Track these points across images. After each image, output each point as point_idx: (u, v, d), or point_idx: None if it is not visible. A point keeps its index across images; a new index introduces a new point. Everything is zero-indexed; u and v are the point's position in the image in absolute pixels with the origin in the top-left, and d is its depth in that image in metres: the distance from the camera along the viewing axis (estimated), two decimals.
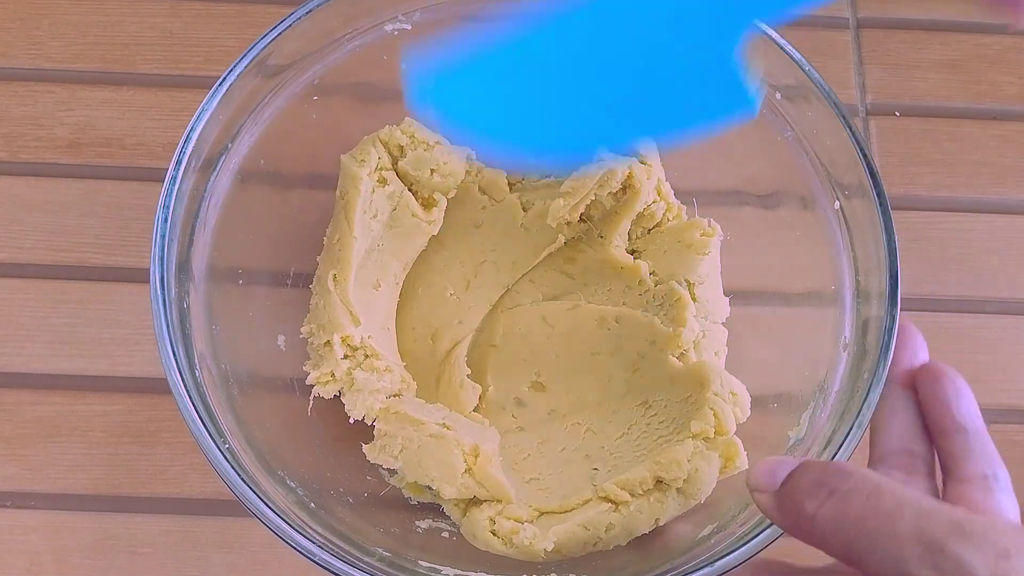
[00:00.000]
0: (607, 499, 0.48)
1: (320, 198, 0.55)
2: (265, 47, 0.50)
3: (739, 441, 0.48)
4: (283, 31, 0.50)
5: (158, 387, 0.56)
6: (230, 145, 0.50)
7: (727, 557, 0.43)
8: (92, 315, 0.58)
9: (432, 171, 0.53)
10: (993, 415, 0.58)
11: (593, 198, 0.54)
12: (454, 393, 0.53)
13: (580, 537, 0.47)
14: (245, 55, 0.49)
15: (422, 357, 0.55)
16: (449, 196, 0.55)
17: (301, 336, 0.52)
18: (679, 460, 0.47)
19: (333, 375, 0.50)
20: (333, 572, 0.42)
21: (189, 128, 0.48)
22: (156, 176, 0.48)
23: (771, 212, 0.55)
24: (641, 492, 0.47)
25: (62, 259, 0.59)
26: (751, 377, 0.52)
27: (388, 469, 0.50)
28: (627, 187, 0.54)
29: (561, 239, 0.55)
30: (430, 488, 0.48)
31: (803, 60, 0.50)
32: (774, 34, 0.50)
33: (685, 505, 0.48)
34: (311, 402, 0.51)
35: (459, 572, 0.46)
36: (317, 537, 0.43)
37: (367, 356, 0.50)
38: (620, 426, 0.52)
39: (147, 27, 0.66)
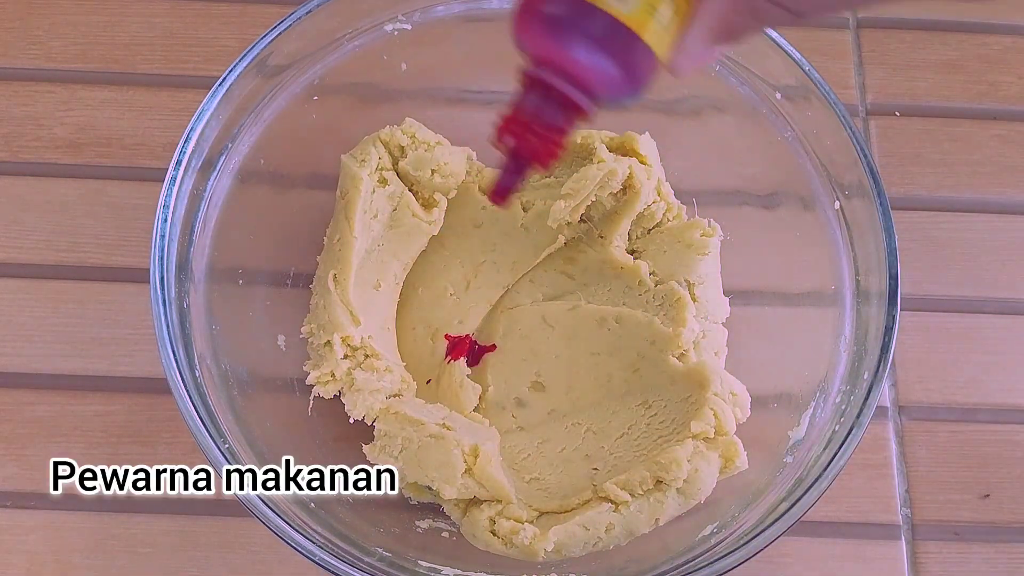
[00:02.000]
0: (607, 499, 0.48)
1: (320, 198, 0.55)
2: (265, 47, 0.50)
3: (739, 441, 0.48)
4: (283, 31, 0.50)
5: (158, 387, 0.56)
6: (230, 145, 0.50)
7: (727, 557, 0.43)
8: (92, 315, 0.58)
9: (433, 171, 0.53)
10: (993, 415, 0.58)
11: (594, 199, 0.54)
12: (454, 393, 0.53)
13: (580, 537, 0.47)
14: (245, 55, 0.49)
15: (422, 357, 0.55)
16: (449, 196, 0.55)
17: (301, 336, 0.52)
18: (679, 460, 0.47)
19: (333, 375, 0.50)
20: (333, 572, 0.42)
21: (189, 128, 0.48)
22: (156, 176, 0.48)
23: (771, 212, 0.55)
24: (641, 492, 0.47)
25: (62, 259, 0.59)
26: (751, 377, 0.52)
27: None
28: (627, 187, 0.54)
29: (561, 239, 0.55)
30: (430, 488, 0.48)
31: (803, 60, 0.50)
32: (774, 34, 0.50)
33: (685, 505, 0.48)
34: (311, 402, 0.51)
35: (459, 572, 0.46)
36: (317, 537, 0.43)
37: (367, 356, 0.50)
38: (620, 426, 0.52)
39: (147, 27, 0.66)
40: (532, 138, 0.30)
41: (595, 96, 0.29)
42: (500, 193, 0.32)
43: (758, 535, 0.43)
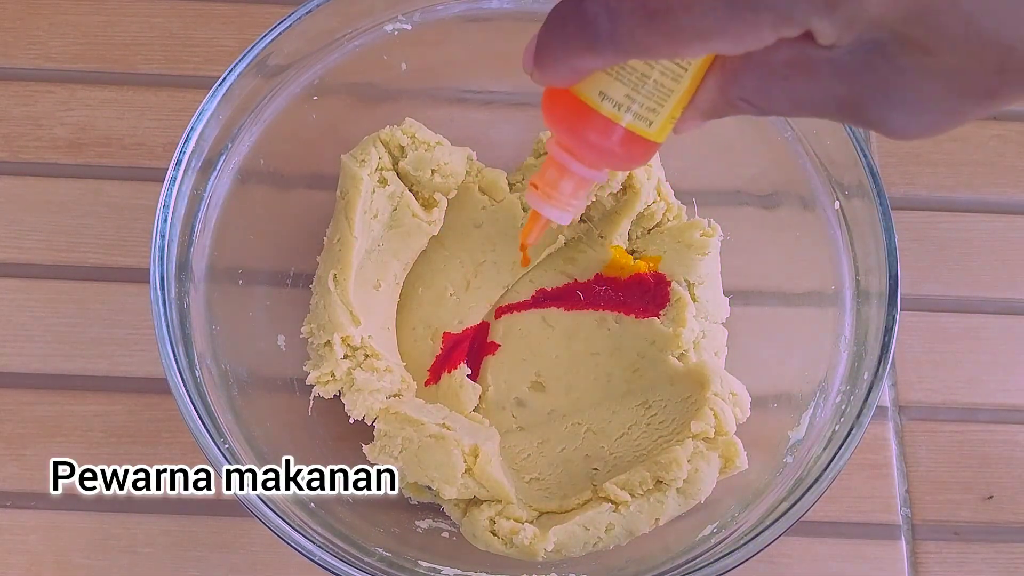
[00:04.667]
0: (607, 499, 0.48)
1: (320, 198, 0.55)
2: (265, 47, 0.50)
3: (739, 441, 0.48)
4: (283, 31, 0.50)
5: (158, 387, 0.56)
6: (230, 145, 0.50)
7: (727, 557, 0.43)
8: (92, 315, 0.58)
9: (433, 171, 0.53)
10: (993, 415, 0.58)
11: (594, 199, 0.54)
12: (454, 393, 0.53)
13: (580, 537, 0.47)
14: (245, 55, 0.49)
15: (422, 357, 0.55)
16: (450, 196, 0.55)
17: (301, 336, 0.52)
18: (679, 460, 0.47)
19: (333, 375, 0.50)
20: (333, 572, 0.42)
21: (189, 128, 0.48)
22: (156, 176, 0.48)
23: (771, 212, 0.55)
24: (641, 492, 0.48)
25: (62, 259, 0.59)
26: (751, 377, 0.52)
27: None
28: (627, 187, 0.54)
29: (561, 239, 0.55)
30: (430, 488, 0.48)
31: None
32: None
33: (685, 505, 0.48)
34: (311, 402, 0.51)
35: (459, 572, 0.46)
36: (317, 537, 0.43)
37: (367, 356, 0.50)
38: (620, 426, 0.52)
39: (147, 27, 0.66)
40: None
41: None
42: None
43: (758, 535, 0.43)
